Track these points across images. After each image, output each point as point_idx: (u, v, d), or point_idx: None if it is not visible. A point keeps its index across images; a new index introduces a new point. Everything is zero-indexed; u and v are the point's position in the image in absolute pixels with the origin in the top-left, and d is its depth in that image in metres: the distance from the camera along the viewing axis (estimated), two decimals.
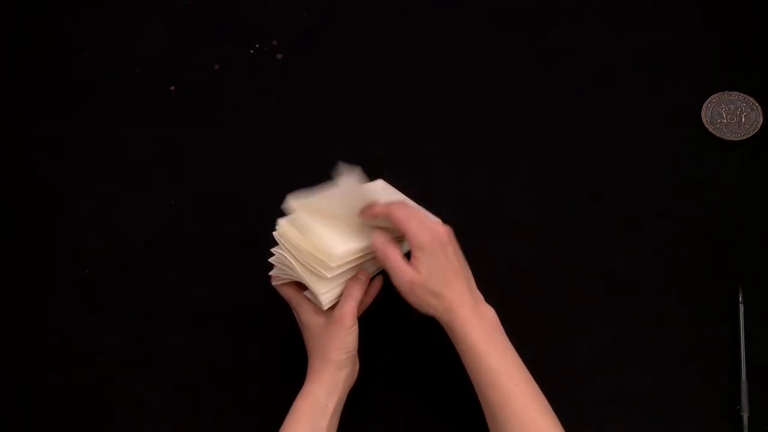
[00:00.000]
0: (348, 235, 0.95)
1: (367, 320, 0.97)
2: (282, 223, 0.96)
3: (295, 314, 0.97)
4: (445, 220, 0.95)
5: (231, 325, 1.05)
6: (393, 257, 0.91)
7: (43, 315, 1.08)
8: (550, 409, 0.88)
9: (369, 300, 0.98)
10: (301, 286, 0.97)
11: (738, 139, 1.10)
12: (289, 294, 0.98)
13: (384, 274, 0.97)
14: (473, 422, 0.93)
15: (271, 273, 0.98)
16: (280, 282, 0.98)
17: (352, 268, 0.95)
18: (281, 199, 1.00)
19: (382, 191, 1.02)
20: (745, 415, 0.95)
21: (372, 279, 0.98)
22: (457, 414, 0.99)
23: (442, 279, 0.90)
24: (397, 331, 1.03)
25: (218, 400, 1.02)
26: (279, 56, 1.22)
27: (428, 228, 0.90)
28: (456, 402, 0.98)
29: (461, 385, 0.93)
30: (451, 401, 0.99)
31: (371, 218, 0.93)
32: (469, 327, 0.89)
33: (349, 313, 0.93)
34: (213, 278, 1.08)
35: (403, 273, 0.90)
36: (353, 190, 0.93)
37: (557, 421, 0.87)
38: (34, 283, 1.10)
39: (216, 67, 1.22)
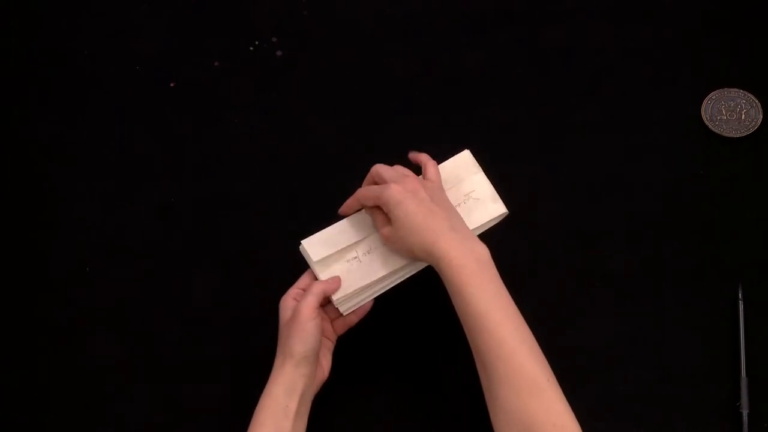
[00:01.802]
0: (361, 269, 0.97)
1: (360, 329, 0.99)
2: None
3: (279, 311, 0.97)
4: None
5: (230, 324, 1.05)
6: (375, 217, 0.96)
7: (42, 313, 1.08)
8: (539, 351, 0.86)
9: (355, 319, 0.98)
10: None
11: (738, 136, 1.10)
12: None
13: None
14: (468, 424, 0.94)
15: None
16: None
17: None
18: (280, 195, 1.01)
19: (462, 166, 1.02)
20: (745, 412, 0.95)
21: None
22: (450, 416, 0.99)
23: (414, 226, 0.90)
24: (383, 339, 1.03)
25: (216, 400, 1.01)
26: (279, 53, 1.22)
27: (391, 184, 0.92)
28: (447, 405, 0.99)
29: (454, 387, 0.94)
30: (443, 403, 0.99)
31: (352, 212, 0.98)
32: (455, 268, 0.88)
33: (307, 306, 0.92)
34: (212, 276, 1.08)
35: (379, 228, 0.95)
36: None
37: (546, 364, 0.85)
38: (33, 280, 1.10)
39: (216, 63, 1.22)
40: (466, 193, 1.00)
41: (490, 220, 0.99)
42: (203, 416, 1.01)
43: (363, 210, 0.98)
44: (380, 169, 0.96)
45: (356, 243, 0.97)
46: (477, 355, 0.87)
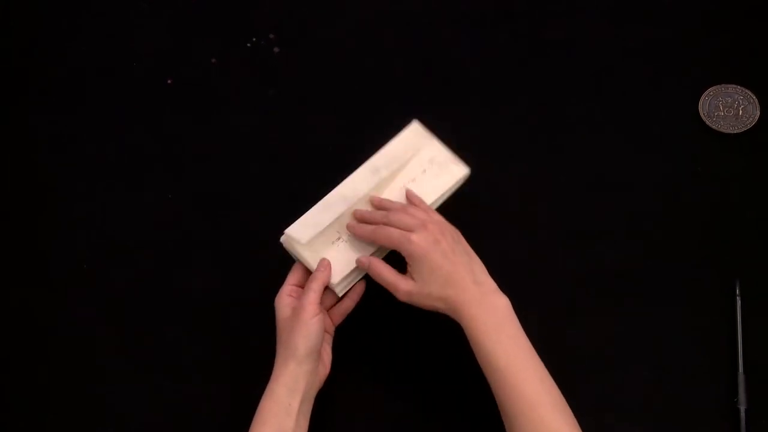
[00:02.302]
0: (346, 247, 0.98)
1: (354, 326, 0.99)
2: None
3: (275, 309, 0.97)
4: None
5: (229, 322, 1.05)
6: (384, 273, 0.93)
7: (40, 309, 1.08)
8: (562, 401, 0.86)
9: (351, 304, 0.99)
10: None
11: (735, 132, 1.10)
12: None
13: (367, 280, 0.99)
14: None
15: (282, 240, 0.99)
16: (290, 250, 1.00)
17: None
18: (278, 192, 1.01)
19: (413, 141, 1.04)
20: (743, 408, 0.95)
21: (352, 286, 0.99)
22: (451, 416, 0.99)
23: (439, 281, 0.90)
24: (385, 336, 1.03)
25: (214, 396, 1.01)
26: (276, 50, 1.21)
27: (413, 235, 0.91)
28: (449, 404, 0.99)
29: (452, 388, 0.94)
30: (443, 402, 1.00)
31: (360, 237, 0.97)
32: (474, 325, 0.88)
33: (310, 303, 0.92)
34: (209, 273, 1.08)
35: (398, 286, 0.92)
36: (355, 183, 0.96)
37: (568, 413, 0.86)
38: (31, 277, 1.10)
39: (213, 60, 1.21)
40: (429, 159, 1.03)
41: (457, 182, 1.02)
42: (203, 414, 1.01)
43: (337, 189, 0.99)
44: (399, 216, 0.94)
45: (338, 219, 0.97)
46: (501, 407, 0.88)
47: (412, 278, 0.91)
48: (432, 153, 1.03)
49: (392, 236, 0.92)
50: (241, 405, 0.93)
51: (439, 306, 0.91)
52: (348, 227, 0.97)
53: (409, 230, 0.92)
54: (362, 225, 0.96)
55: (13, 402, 1.03)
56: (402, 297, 0.92)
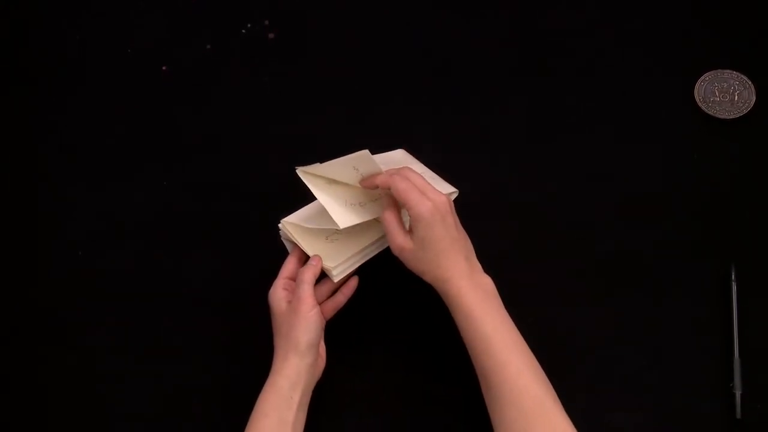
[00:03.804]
0: (351, 207, 0.96)
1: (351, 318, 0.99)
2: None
3: (269, 303, 0.97)
4: None
5: (223, 308, 1.05)
6: (389, 220, 0.93)
7: (34, 297, 1.08)
8: (544, 376, 0.88)
9: (343, 299, 0.99)
10: None
11: (731, 117, 1.10)
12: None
13: (360, 273, 0.99)
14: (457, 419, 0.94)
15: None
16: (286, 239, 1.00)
17: (358, 240, 0.98)
18: (273, 179, 1.01)
19: (400, 160, 1.04)
20: (738, 393, 0.95)
21: (347, 279, 0.99)
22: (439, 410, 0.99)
23: (436, 249, 0.91)
24: (378, 328, 1.03)
25: (211, 385, 1.01)
26: (271, 36, 1.21)
27: (427, 200, 0.90)
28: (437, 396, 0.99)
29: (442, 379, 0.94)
30: (433, 395, 1.00)
31: (372, 188, 0.95)
32: (463, 295, 0.90)
33: (307, 295, 0.93)
34: (205, 261, 1.08)
35: (395, 237, 0.92)
36: (362, 160, 0.93)
37: (550, 387, 0.87)
38: (25, 265, 1.10)
39: (208, 47, 1.21)
40: (420, 172, 1.00)
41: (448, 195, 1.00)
42: (199, 403, 1.01)
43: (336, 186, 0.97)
44: (416, 176, 0.93)
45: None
46: (483, 378, 0.89)
47: (412, 235, 0.92)
48: (421, 169, 1.03)
49: (408, 189, 0.91)
50: (240, 395, 0.93)
51: (425, 271, 0.92)
52: (360, 182, 0.96)
53: (424, 190, 0.91)
54: (383, 173, 0.94)
55: (5, 386, 1.03)
56: (395, 250, 0.93)
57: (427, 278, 0.92)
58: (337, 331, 0.99)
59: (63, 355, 1.04)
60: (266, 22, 1.22)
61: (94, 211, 1.12)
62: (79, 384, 1.03)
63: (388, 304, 1.03)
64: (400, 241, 0.92)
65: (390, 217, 0.93)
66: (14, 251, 1.11)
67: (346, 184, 0.97)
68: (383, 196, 0.96)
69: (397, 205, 0.94)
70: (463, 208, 0.97)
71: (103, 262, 1.09)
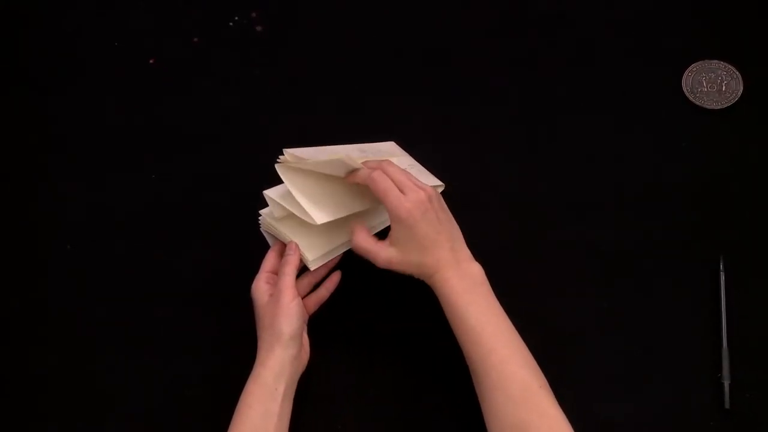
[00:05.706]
0: (332, 200, 0.96)
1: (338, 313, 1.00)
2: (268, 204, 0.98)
3: (252, 297, 0.97)
4: None
5: (218, 303, 1.05)
6: (365, 244, 0.94)
7: (23, 289, 1.07)
8: (533, 361, 0.88)
9: (326, 293, 1.00)
10: None
11: (718, 107, 1.11)
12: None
13: (343, 266, 1.00)
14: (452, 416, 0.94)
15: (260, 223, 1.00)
16: (266, 230, 1.00)
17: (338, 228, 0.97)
18: (262, 172, 1.00)
19: (388, 151, 1.04)
20: (727, 383, 0.95)
21: (329, 273, 1.00)
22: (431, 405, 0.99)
23: (419, 248, 0.91)
24: (362, 321, 1.03)
25: (201, 375, 1.01)
26: (258, 28, 1.21)
27: (406, 201, 0.90)
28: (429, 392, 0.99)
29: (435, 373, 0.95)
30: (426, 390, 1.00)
31: (353, 183, 0.95)
32: (449, 286, 0.90)
33: (287, 286, 0.93)
34: (195, 253, 1.08)
35: (378, 254, 0.93)
36: (340, 165, 0.93)
37: (539, 372, 0.88)
38: (14, 257, 1.09)
39: (195, 39, 1.21)
40: (408, 165, 1.03)
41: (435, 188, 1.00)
42: (189, 395, 1.01)
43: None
44: (394, 168, 0.93)
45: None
46: (471, 365, 0.89)
47: (392, 241, 0.92)
48: (409, 162, 1.03)
49: (387, 189, 0.91)
50: (228, 387, 0.93)
51: (415, 272, 0.93)
52: (345, 177, 0.95)
53: (403, 187, 0.91)
54: (364, 169, 0.94)
55: (1, 385, 1.03)
56: (382, 265, 0.93)
57: (417, 276, 0.93)
58: (324, 325, 0.99)
59: (51, 346, 1.04)
60: (254, 14, 1.21)
61: (83, 202, 1.12)
62: (68, 375, 1.03)
63: (375, 296, 1.02)
64: (384, 256, 0.92)
65: (361, 242, 0.94)
66: (2, 243, 1.10)
67: (327, 176, 0.96)
68: (363, 194, 0.96)
69: (363, 223, 0.95)
70: (454, 201, 0.97)
71: (92, 254, 1.09)
